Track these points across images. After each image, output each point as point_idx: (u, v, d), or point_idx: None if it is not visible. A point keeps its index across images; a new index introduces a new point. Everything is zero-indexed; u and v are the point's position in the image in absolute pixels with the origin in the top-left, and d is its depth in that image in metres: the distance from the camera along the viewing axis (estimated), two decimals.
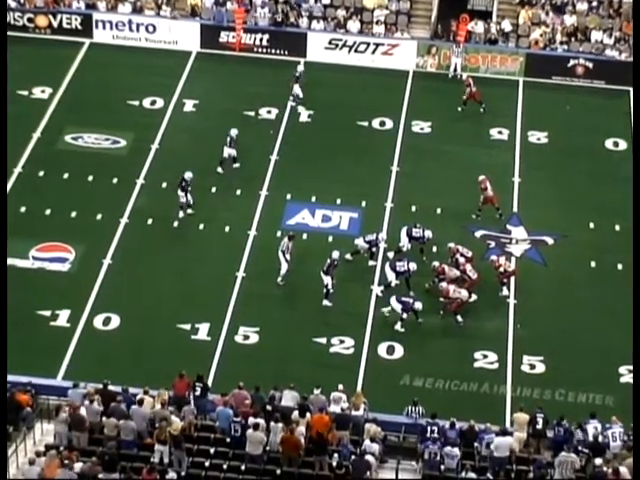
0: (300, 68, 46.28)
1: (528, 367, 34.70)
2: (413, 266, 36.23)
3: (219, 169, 41.71)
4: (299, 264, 37.66)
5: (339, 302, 36.59)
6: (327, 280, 36.44)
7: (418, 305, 35.27)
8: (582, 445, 29.59)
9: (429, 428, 29.85)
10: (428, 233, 37.64)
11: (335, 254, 36.62)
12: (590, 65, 47.22)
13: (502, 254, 37.82)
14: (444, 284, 35.85)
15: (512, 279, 37.05)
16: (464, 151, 43.46)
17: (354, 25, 48.86)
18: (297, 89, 45.68)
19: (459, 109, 45.93)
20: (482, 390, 33.55)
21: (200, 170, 41.50)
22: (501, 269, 36.56)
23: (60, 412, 29.93)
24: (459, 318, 35.69)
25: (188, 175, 39.27)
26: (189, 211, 39.71)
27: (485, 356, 34.97)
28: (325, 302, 36.62)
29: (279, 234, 38.58)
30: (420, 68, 48.08)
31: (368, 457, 28.69)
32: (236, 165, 42.16)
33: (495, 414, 32.13)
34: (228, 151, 41.65)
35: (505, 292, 36.74)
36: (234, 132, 41.96)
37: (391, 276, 36.27)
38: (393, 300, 35.40)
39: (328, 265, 36.43)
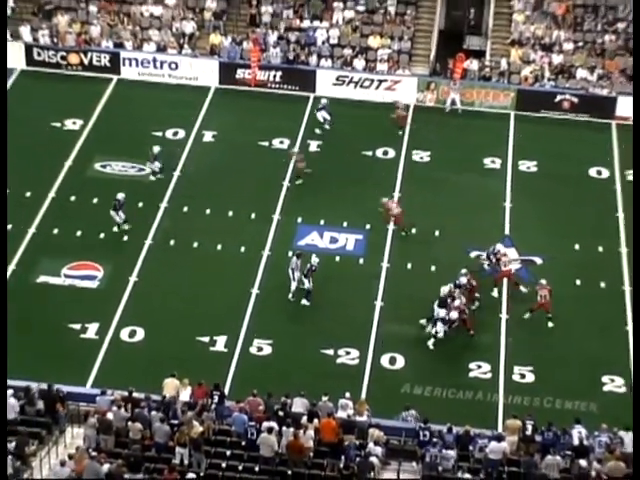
0: (324, 101, 46.59)
1: (519, 377, 34.79)
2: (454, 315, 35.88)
3: None
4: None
5: (345, 316, 36.66)
6: (307, 283, 36.97)
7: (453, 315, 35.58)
8: (567, 448, 29.71)
9: (421, 433, 29.98)
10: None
11: (314, 260, 37.03)
12: (575, 100, 47.35)
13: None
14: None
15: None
16: (460, 178, 43.58)
17: (359, 63, 49.06)
18: (325, 114, 46.19)
19: (399, 133, 46.54)
20: (476, 398, 33.69)
21: (218, 195, 41.74)
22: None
23: (89, 417, 30.06)
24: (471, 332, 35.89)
25: (120, 196, 39.86)
26: (125, 226, 40.04)
27: (479, 366, 35.09)
28: (304, 301, 37.20)
29: (290, 254, 38.63)
30: (420, 102, 48.25)
31: (372, 459, 28.82)
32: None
33: (488, 420, 32.31)
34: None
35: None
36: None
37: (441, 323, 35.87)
38: (439, 325, 35.47)
39: (307, 269, 36.90)
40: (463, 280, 36.57)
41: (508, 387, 34.35)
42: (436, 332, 35.45)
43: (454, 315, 35.43)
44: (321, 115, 46.19)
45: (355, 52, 49.47)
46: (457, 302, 35.53)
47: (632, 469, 26.71)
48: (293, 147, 44.48)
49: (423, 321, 36.09)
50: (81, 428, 30.14)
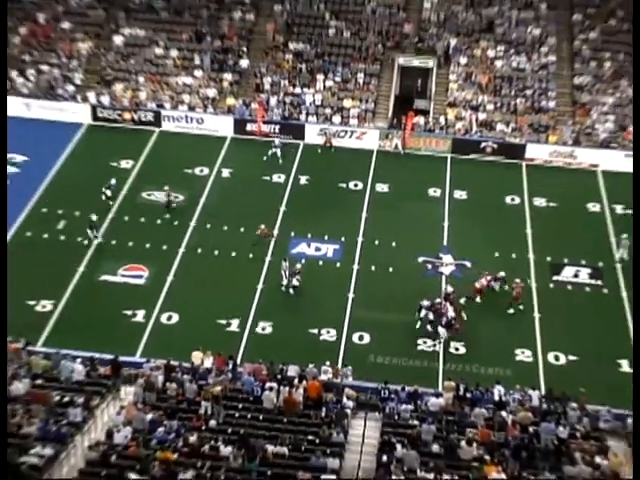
0: (277, 141, 47.35)
1: (454, 349, 34.79)
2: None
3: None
4: (302, 278, 37.69)
5: (326, 304, 36.70)
6: (294, 281, 37.33)
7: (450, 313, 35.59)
8: (490, 402, 29.79)
9: (382, 391, 30.08)
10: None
11: (298, 265, 37.65)
12: (495, 146, 47.46)
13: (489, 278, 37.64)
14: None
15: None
16: (410, 204, 43.63)
17: (337, 119, 49.01)
18: (278, 151, 46.90)
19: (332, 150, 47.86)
20: (422, 365, 33.75)
21: (232, 215, 41.78)
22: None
23: (138, 379, 30.06)
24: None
25: (93, 217, 40.21)
26: (98, 240, 40.00)
27: (425, 342, 35.06)
28: (291, 291, 37.31)
29: (286, 261, 38.67)
30: (381, 148, 48.16)
31: (346, 410, 28.87)
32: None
33: (432, 382, 32.33)
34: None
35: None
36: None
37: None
38: (441, 329, 35.20)
39: (293, 271, 37.37)
40: (450, 289, 36.80)
41: (446, 357, 34.41)
42: (441, 336, 35.25)
43: (451, 314, 35.47)
44: (277, 151, 46.73)
45: (333, 111, 49.49)
46: (450, 312, 35.44)
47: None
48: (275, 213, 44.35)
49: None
50: (131, 387, 30.16)
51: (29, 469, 25.07)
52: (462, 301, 36.69)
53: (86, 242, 39.75)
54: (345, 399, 29.57)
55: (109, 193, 42.87)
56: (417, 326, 35.65)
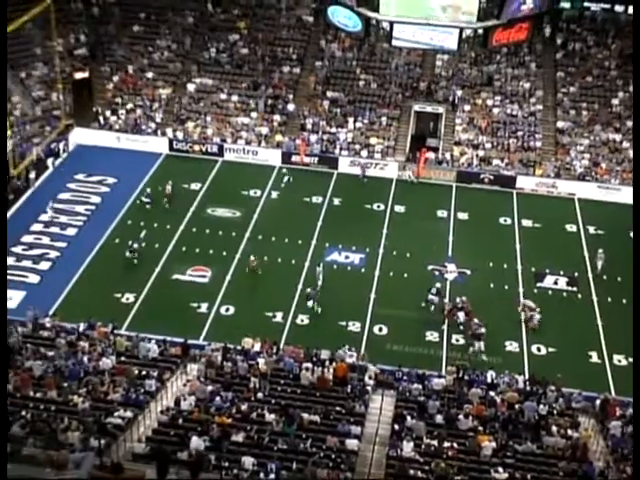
0: (285, 170, 47.82)
1: (455, 340, 34.68)
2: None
3: None
4: (332, 282, 37.74)
5: (353, 302, 36.64)
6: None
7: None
8: (483, 384, 29.67)
9: (396, 372, 30.02)
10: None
11: (318, 268, 37.54)
12: (492, 177, 47.31)
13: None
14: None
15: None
16: (422, 222, 43.52)
17: (364, 153, 49.03)
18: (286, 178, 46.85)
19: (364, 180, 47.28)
20: (430, 352, 33.63)
21: (279, 229, 41.83)
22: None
23: (201, 358, 30.18)
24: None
25: (135, 246, 38.80)
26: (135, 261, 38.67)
27: (432, 334, 34.96)
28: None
29: (322, 265, 38.69)
30: (399, 177, 48.08)
31: (367, 387, 28.84)
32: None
33: (438, 366, 32.16)
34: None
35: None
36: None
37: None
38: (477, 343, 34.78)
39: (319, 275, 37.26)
40: (458, 299, 36.23)
41: (450, 347, 34.30)
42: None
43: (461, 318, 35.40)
44: (286, 178, 46.88)
45: (362, 146, 49.50)
46: (461, 316, 35.44)
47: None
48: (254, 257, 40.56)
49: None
50: (195, 365, 30.29)
51: (113, 427, 25.27)
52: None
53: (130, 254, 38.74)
54: (367, 378, 29.60)
55: (147, 200, 43.69)
56: (422, 304, 36.13)
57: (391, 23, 40.19)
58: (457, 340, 34.65)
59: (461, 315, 35.29)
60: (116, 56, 54.50)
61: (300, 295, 36.87)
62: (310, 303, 35.72)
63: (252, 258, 38.39)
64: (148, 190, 44.60)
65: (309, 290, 36.26)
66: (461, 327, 35.10)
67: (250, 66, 53.75)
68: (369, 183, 47.30)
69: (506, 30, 40.29)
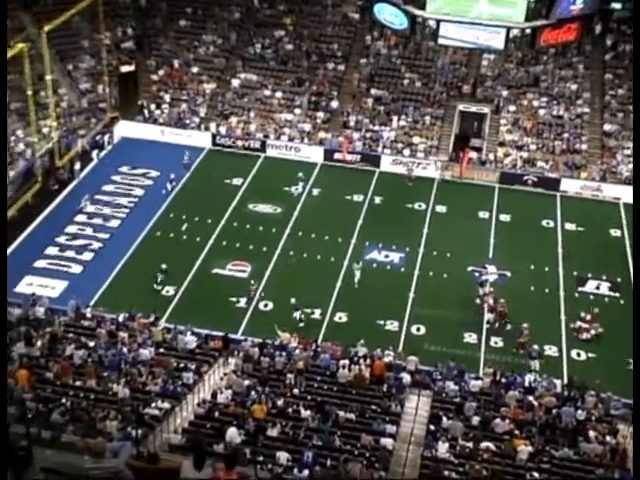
0: (300, 174, 46.25)
1: (494, 343, 34.54)
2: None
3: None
4: (371, 281, 37.79)
5: (392, 301, 36.65)
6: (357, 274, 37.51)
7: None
8: (521, 387, 29.57)
9: (434, 373, 30.01)
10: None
11: (357, 265, 37.83)
12: (535, 179, 46.91)
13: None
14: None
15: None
16: (463, 223, 43.26)
17: (406, 152, 48.94)
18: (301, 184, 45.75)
19: (409, 184, 46.68)
20: (467, 354, 33.45)
21: (320, 226, 41.94)
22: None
23: (238, 352, 30.40)
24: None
25: (160, 276, 36.75)
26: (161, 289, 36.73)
27: (470, 336, 34.88)
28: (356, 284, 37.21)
29: (360, 263, 38.74)
30: (441, 177, 47.87)
31: (404, 386, 28.88)
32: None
33: (475, 368, 32.00)
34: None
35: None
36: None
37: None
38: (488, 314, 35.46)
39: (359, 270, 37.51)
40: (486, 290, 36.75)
41: (487, 349, 34.20)
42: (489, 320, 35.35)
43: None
44: (300, 185, 45.64)
45: (404, 145, 49.40)
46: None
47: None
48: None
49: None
50: (233, 359, 30.51)
51: (150, 418, 25.59)
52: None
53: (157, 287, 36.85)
54: (404, 374, 29.65)
55: (169, 186, 44.44)
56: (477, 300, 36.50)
57: (437, 21, 40.16)
58: (495, 342, 34.50)
59: (489, 305, 35.62)
60: (162, 50, 55.00)
61: (338, 293, 36.96)
62: (297, 314, 34.58)
63: (252, 282, 36.68)
64: (172, 176, 44.89)
65: (293, 301, 35.27)
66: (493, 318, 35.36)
67: (295, 62, 53.91)
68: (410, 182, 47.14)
69: (555, 30, 40.02)
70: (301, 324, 34.27)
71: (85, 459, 10.00)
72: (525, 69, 52.75)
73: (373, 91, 52.35)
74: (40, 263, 38.06)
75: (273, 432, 25.47)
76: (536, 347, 32.99)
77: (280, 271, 38.60)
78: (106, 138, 49.22)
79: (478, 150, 49.51)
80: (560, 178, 47.06)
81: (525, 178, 47.13)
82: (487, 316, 35.45)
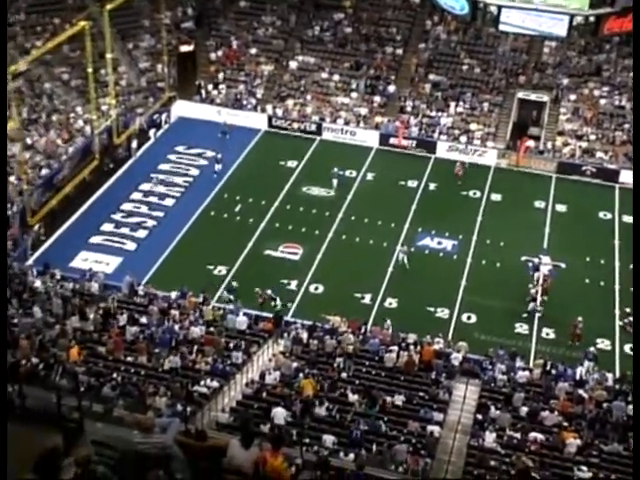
0: (335, 170, 44.48)
1: (545, 334, 34.20)
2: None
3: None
4: (422, 267, 37.66)
5: (443, 288, 36.48)
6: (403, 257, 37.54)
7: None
8: (572, 379, 29.27)
9: (483, 362, 29.85)
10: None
11: (402, 248, 37.91)
12: (594, 170, 46.15)
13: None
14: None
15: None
16: (518, 212, 42.81)
17: (463, 138, 48.53)
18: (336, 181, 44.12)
19: (458, 183, 45.23)
20: (518, 344, 33.01)
21: (373, 211, 41.83)
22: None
23: (288, 334, 30.54)
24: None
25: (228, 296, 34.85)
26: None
27: (522, 326, 34.57)
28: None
29: (412, 249, 38.63)
30: (498, 165, 47.40)
31: (454, 361, 29.05)
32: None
33: (525, 359, 31.59)
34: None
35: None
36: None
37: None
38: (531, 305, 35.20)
39: (405, 255, 37.41)
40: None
41: (539, 341, 33.86)
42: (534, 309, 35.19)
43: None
44: (335, 181, 44.03)
45: (461, 132, 49.00)
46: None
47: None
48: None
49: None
50: (282, 340, 30.68)
51: (199, 396, 25.88)
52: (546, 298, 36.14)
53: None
54: (455, 353, 29.54)
55: (217, 167, 44.22)
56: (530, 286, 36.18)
57: (499, 7, 39.69)
58: (547, 334, 34.16)
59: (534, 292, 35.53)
60: (221, 31, 55.21)
61: (390, 279, 36.89)
62: (277, 302, 33.54)
63: (257, 290, 34.01)
64: (219, 155, 45.02)
65: (268, 292, 33.88)
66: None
67: (353, 46, 53.70)
68: (467, 170, 46.57)
69: (619, 19, 39.33)
70: (281, 307, 33.33)
71: (134, 434, 10.14)
72: (587, 57, 51.85)
73: (431, 76, 51.95)
74: (96, 239, 38.62)
75: (321, 410, 25.57)
76: (593, 349, 32.13)
77: (332, 254, 38.63)
78: (163, 117, 49.66)
79: (536, 139, 48.89)
80: (619, 169, 46.22)
81: (583, 168, 46.40)
82: (531, 305, 35.16)
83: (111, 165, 44.69)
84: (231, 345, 29.35)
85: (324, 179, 44.44)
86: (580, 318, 33.77)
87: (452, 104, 50.27)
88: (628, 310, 35.01)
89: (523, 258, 38.58)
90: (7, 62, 39.51)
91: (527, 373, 29.29)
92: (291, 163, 46.61)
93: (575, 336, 33.49)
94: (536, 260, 37.92)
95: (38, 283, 32.06)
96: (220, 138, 47.73)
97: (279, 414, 24.77)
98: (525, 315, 35.02)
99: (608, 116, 49.17)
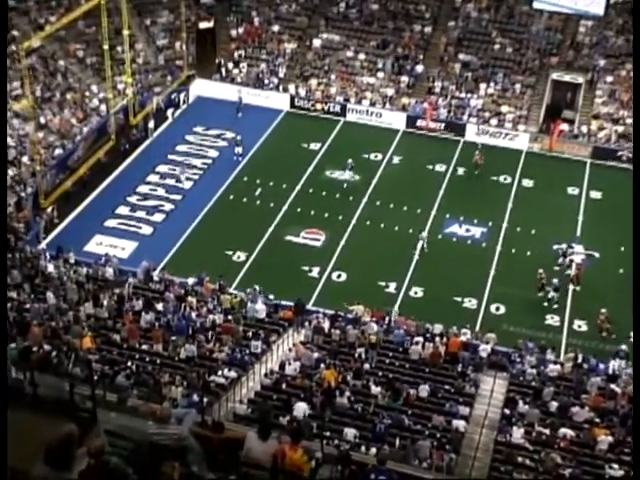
0: (349, 161, 43.45)
1: (577, 326, 34.03)
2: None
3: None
4: (450, 255, 37.55)
5: (471, 278, 36.36)
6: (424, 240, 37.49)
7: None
8: (604, 374, 29.12)
9: (512, 355, 29.77)
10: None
11: (423, 234, 37.81)
12: (631, 155, 45.66)
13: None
14: None
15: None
16: (551, 199, 42.53)
17: (493, 121, 48.26)
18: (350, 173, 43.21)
19: (475, 172, 44.46)
20: (548, 336, 32.95)
21: (398, 196, 41.70)
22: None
23: (309, 323, 30.56)
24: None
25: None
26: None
27: (552, 317, 34.44)
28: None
29: (440, 236, 38.54)
30: (530, 149, 47.10)
31: (482, 353, 28.97)
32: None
33: (555, 352, 31.44)
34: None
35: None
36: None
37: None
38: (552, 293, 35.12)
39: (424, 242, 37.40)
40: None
41: (570, 333, 33.71)
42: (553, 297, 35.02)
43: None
44: (348, 173, 43.17)
45: (492, 114, 48.73)
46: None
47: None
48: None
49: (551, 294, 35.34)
50: (303, 330, 30.71)
51: (216, 386, 25.98)
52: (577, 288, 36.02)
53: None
54: (483, 344, 29.49)
55: (237, 150, 44.08)
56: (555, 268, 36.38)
57: None
58: (579, 326, 33.99)
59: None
60: (242, 6, 55.13)
61: (415, 267, 36.81)
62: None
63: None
64: (238, 137, 44.93)
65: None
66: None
67: (380, 23, 53.48)
68: (495, 153, 46.30)
69: None
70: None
71: (149, 424, 10.18)
72: (625, 37, 51.30)
73: (461, 56, 51.65)
74: (110, 222, 38.80)
75: (343, 399, 25.61)
76: (624, 347, 31.61)
77: (355, 241, 38.59)
78: (182, 96, 49.76)
79: (570, 122, 48.51)
80: None
81: (619, 154, 46.00)
82: (551, 294, 35.03)
83: (127, 146, 44.82)
84: (250, 334, 29.44)
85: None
86: (604, 310, 33.67)
87: (482, 85, 49.97)
88: None
89: (555, 246, 38.32)
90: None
91: (558, 367, 29.19)
92: (314, 145, 46.52)
93: (602, 329, 33.35)
94: (568, 248, 37.67)
95: (51, 268, 32.29)
96: (236, 117, 47.81)
97: (300, 409, 24.73)
98: (545, 304, 34.93)
99: None
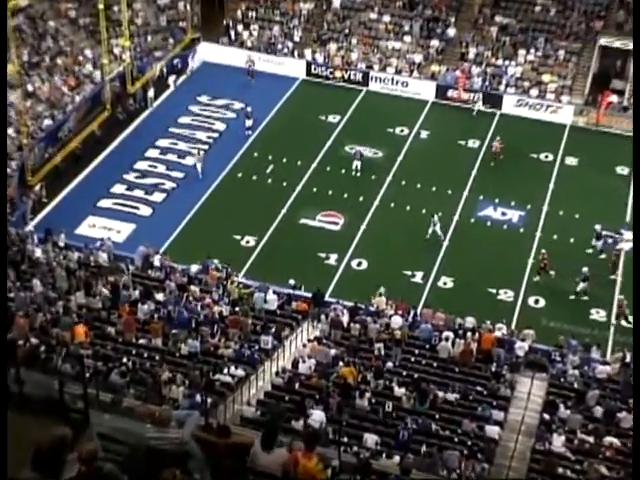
0: (358, 149, 42.99)
1: (625, 322, 33.92)
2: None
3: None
4: (483, 242, 37.50)
5: (507, 266, 36.37)
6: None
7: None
8: None
9: (553, 353, 29.72)
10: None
11: (434, 219, 37.26)
12: None
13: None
14: None
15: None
16: (597, 179, 42.39)
17: (534, 92, 48.02)
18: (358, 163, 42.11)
19: (491, 164, 43.51)
20: (593, 333, 32.82)
21: (425, 175, 41.64)
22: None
23: (326, 316, 30.55)
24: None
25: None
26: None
27: (598, 312, 34.36)
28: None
29: (472, 220, 38.44)
30: (574, 123, 46.84)
31: (518, 352, 28.98)
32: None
33: (602, 350, 31.37)
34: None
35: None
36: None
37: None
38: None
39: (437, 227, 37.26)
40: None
41: (618, 330, 33.56)
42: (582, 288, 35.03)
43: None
44: (355, 164, 42.11)
45: (532, 84, 48.49)
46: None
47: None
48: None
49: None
50: (319, 324, 30.70)
51: (221, 386, 26.03)
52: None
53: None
54: (519, 342, 29.48)
55: (248, 122, 43.96)
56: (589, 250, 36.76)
57: None
58: (629, 322, 33.86)
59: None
60: None
61: (444, 255, 36.75)
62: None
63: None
64: (249, 109, 44.86)
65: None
66: None
67: None
68: (536, 128, 46.12)
69: None
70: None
71: (147, 427, 10.20)
72: None
73: (498, 18, 51.41)
74: (105, 202, 38.91)
75: (363, 401, 25.62)
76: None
77: (378, 225, 38.55)
78: (185, 62, 49.70)
79: (620, 93, 48.20)
80: None
81: None
82: (581, 285, 35.02)
83: (124, 117, 44.87)
84: (259, 328, 29.46)
85: (371, 137, 44.29)
86: (622, 296, 33.96)
87: (522, 51, 49.75)
88: None
89: (603, 232, 38.10)
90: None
91: (607, 368, 29.07)
92: (332, 118, 46.42)
93: (620, 315, 33.61)
94: (617, 236, 37.51)
95: (39, 252, 32.37)
96: (245, 83, 47.73)
97: (317, 418, 24.54)
98: (572, 297, 34.93)
99: None
